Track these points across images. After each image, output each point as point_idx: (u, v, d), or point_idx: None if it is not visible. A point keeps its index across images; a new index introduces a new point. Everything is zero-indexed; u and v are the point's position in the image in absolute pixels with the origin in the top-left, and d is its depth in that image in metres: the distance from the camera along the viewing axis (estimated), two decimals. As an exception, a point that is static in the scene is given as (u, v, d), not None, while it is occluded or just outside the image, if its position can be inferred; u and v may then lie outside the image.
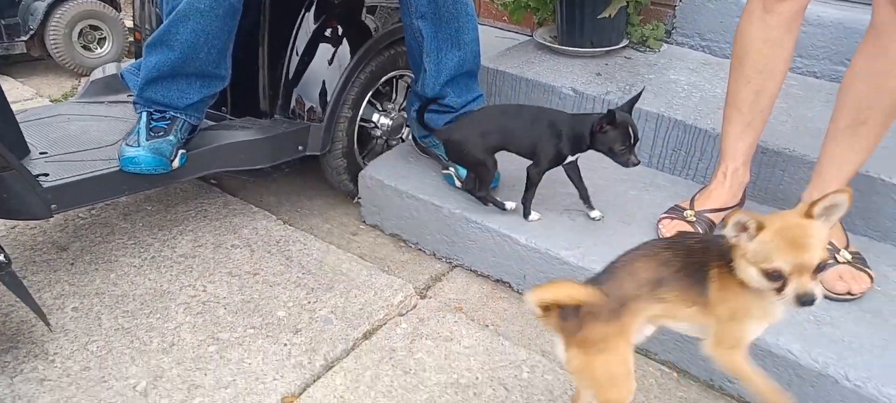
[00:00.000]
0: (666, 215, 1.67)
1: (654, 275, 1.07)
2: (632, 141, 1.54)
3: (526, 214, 1.75)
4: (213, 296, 1.72)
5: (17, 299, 1.62)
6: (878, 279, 1.53)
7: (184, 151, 1.71)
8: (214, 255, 1.88)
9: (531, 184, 1.71)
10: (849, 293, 1.47)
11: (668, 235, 1.63)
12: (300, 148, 1.88)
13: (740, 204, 1.68)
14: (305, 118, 1.89)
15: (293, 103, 1.90)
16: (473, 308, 1.74)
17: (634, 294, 1.07)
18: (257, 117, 1.92)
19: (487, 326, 1.68)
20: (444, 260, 1.92)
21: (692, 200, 1.66)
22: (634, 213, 1.77)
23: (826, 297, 1.49)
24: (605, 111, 1.54)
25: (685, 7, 2.33)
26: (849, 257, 1.50)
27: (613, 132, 1.54)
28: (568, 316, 1.08)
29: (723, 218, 1.08)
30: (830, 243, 1.51)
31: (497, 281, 1.83)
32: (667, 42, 2.37)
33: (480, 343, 1.61)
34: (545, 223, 1.76)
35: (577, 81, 2.13)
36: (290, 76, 1.89)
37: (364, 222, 2.09)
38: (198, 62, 1.64)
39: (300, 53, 1.89)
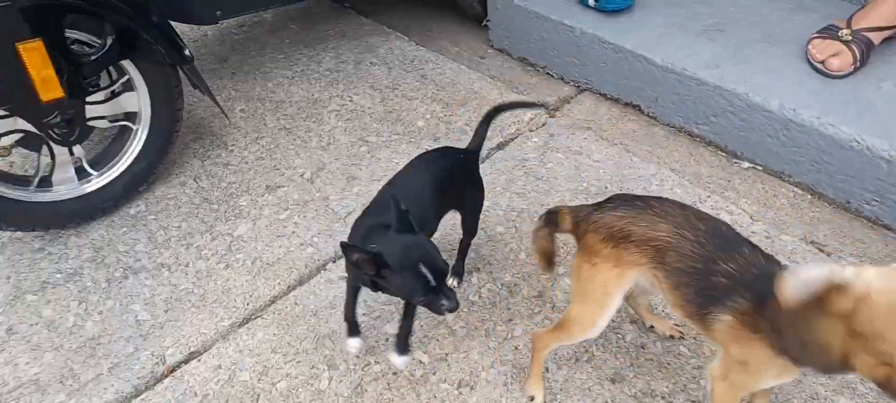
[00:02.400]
0: (818, 35, 1.59)
1: (666, 247, 0.93)
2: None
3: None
4: (359, 106, 1.87)
5: (198, 98, 1.83)
6: None
7: None
8: (356, 71, 2.01)
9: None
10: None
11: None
12: None
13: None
14: None
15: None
16: (602, 127, 1.79)
17: (637, 248, 0.96)
18: None
19: (616, 144, 1.73)
20: (572, 83, 1.95)
21: (849, 19, 1.57)
22: (779, 34, 1.69)
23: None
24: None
25: None
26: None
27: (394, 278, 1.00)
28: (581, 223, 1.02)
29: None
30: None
31: (626, 104, 1.85)
32: None
33: (610, 158, 1.68)
34: (682, 42, 1.73)
35: None
36: None
37: (492, 46, 2.13)
38: None
39: None
